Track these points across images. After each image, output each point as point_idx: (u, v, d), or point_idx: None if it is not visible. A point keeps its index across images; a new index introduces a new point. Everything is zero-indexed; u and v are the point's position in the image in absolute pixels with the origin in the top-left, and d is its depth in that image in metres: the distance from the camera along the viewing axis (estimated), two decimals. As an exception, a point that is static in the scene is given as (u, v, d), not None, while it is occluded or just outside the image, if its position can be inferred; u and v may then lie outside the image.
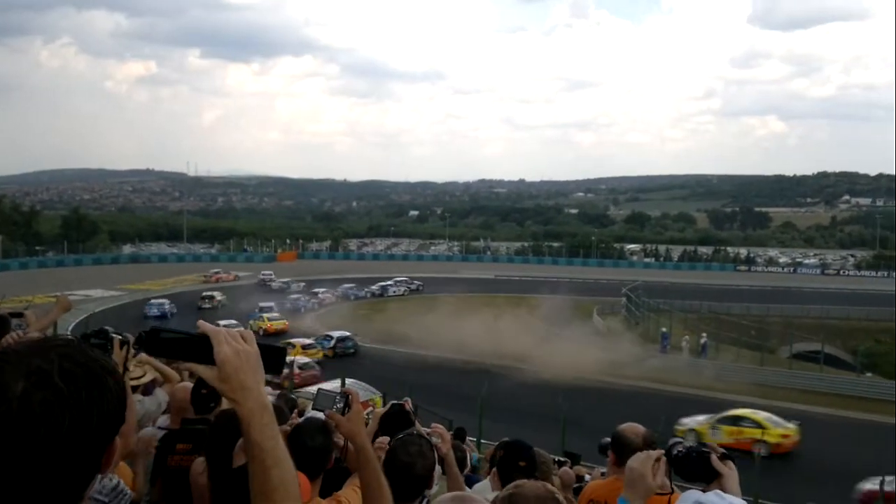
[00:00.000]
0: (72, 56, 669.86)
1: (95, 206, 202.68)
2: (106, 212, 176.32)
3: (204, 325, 1.50)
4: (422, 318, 45.22)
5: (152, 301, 50.14)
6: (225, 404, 4.88)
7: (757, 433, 22.76)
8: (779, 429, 23.34)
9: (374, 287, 65.04)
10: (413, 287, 67.24)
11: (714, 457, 2.62)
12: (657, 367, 36.57)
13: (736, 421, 23.73)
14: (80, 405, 1.10)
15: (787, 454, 22.60)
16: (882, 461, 19.09)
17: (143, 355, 6.00)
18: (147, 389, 6.06)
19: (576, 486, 7.19)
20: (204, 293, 55.17)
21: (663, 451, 2.55)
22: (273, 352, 1.59)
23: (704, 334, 40.94)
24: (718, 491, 2.33)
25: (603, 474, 6.19)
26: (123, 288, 60.13)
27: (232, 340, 1.47)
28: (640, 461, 2.50)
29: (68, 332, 31.34)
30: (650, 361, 37.82)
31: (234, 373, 1.45)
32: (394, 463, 2.92)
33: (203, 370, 1.48)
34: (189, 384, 4.93)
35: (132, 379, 5.82)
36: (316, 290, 60.68)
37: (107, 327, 3.02)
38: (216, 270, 73.53)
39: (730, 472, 2.58)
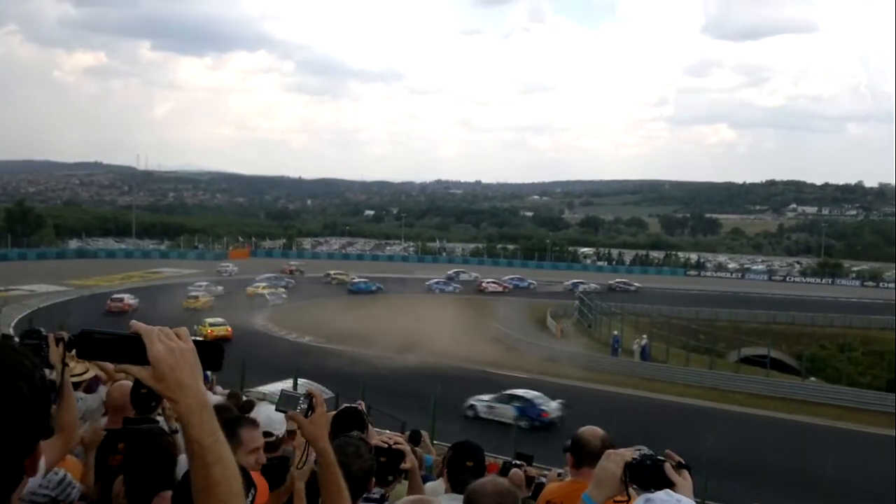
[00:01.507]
0: (18, 44, 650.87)
1: (41, 198, 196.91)
2: (52, 205, 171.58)
3: (136, 325, 1.45)
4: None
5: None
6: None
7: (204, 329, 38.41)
8: (211, 328, 39.08)
9: (567, 283, 71.71)
10: (632, 288, 71.78)
11: (668, 465, 2.64)
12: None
13: (211, 325, 39.80)
14: None
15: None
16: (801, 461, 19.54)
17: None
18: (90, 387, 5.88)
19: (537, 482, 7.18)
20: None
21: (635, 456, 2.53)
22: (210, 348, 1.55)
23: (644, 336, 41.69)
24: (668, 490, 2.32)
25: (560, 475, 6.20)
26: (69, 283, 58.62)
27: (165, 338, 1.44)
28: (616, 462, 2.49)
29: (10, 329, 30.60)
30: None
31: (169, 371, 1.42)
32: None
33: (137, 370, 1.44)
34: (126, 383, 4.79)
35: (74, 376, 5.63)
36: (483, 281, 70.29)
37: (39, 327, 2.89)
38: (292, 264, 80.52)
39: (684, 481, 2.59)
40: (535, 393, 27.47)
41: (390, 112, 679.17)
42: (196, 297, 52.62)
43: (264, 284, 61.74)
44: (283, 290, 60.69)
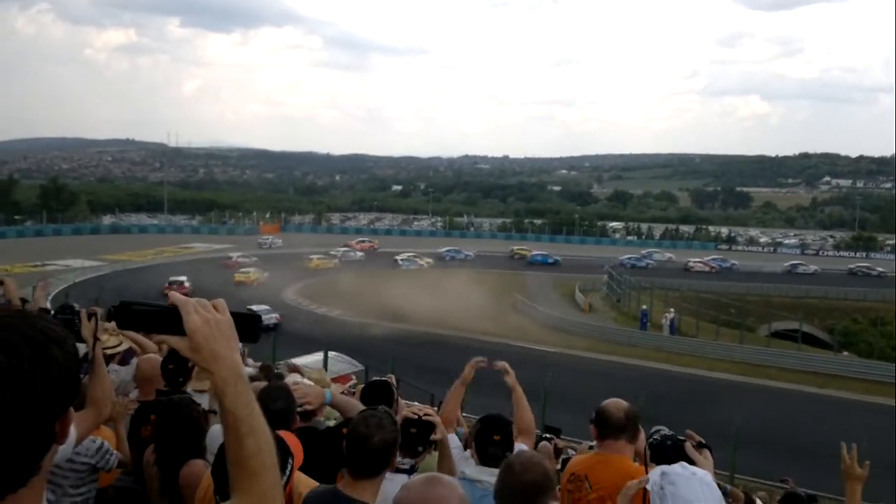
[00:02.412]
0: (49, 23, 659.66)
1: (74, 175, 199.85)
2: (85, 181, 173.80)
3: (174, 296, 1.47)
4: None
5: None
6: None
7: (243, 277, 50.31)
8: (237, 275, 50.19)
9: (786, 264, 70.43)
10: (874, 273, 68.87)
11: (689, 445, 2.69)
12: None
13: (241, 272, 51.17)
14: (23, 378, 1.08)
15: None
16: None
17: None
18: (124, 359, 6.00)
19: (564, 457, 7.24)
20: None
21: (642, 483, 2.54)
22: (247, 319, 1.55)
23: (672, 310, 41.51)
24: (683, 463, 2.40)
25: (591, 448, 6.25)
26: (104, 258, 59.52)
27: (202, 310, 1.45)
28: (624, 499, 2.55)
29: (48, 303, 31.27)
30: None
31: (204, 342, 1.42)
32: (352, 435, 2.89)
33: (175, 341, 1.45)
34: (155, 356, 4.89)
35: (108, 348, 5.76)
36: (689, 261, 70.25)
37: (72, 303, 2.97)
38: (362, 240, 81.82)
39: (704, 459, 2.65)
40: (264, 306, 35.89)
41: (418, 87, 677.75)
42: (311, 259, 61.70)
43: (409, 254, 67.24)
44: (428, 260, 65.71)
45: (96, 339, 2.94)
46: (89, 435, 3.41)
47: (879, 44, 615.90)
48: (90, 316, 2.89)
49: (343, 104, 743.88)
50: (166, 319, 1.45)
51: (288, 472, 2.07)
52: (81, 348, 3.09)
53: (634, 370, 31.81)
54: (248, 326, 1.54)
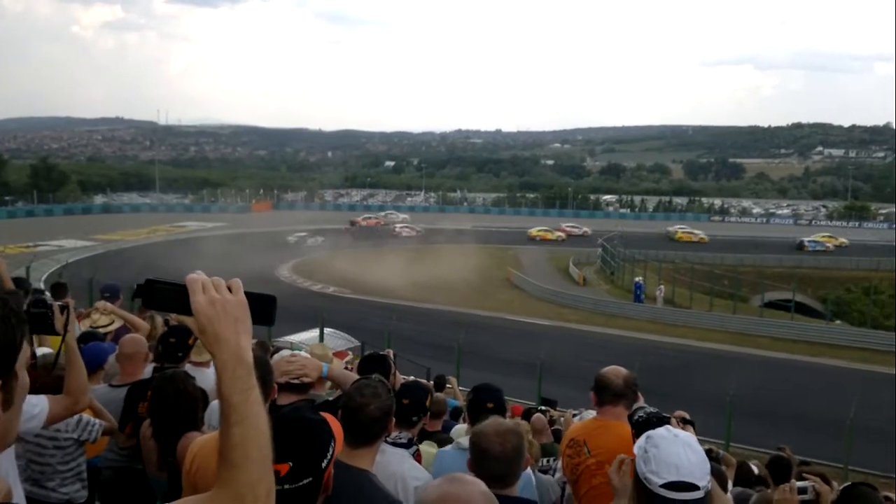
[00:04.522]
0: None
1: (65, 154, 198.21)
2: (75, 161, 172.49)
3: (190, 276, 1.44)
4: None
5: None
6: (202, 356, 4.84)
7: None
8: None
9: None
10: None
11: (674, 421, 2.80)
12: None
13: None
14: None
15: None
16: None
17: (107, 305, 5.92)
18: (117, 338, 5.99)
19: (554, 428, 7.28)
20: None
21: (627, 458, 2.69)
22: (262, 300, 1.50)
23: (639, 278, 42.11)
24: (668, 426, 2.45)
25: (575, 416, 6.31)
26: (96, 238, 59.26)
27: (211, 290, 1.41)
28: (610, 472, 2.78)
29: (41, 283, 31.14)
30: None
31: (208, 323, 1.40)
32: (348, 405, 2.88)
33: (190, 321, 1.47)
34: (136, 336, 4.89)
35: (100, 327, 5.74)
36: None
37: (45, 296, 2.90)
38: (368, 216, 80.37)
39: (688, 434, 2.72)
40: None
41: (409, 61, 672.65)
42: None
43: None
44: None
45: (66, 331, 2.91)
46: (60, 420, 3.38)
47: (872, 13, 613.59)
48: (62, 309, 2.86)
49: (334, 79, 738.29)
50: (182, 298, 1.42)
51: (329, 456, 2.03)
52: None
53: (629, 341, 31.93)
54: (263, 308, 1.49)
